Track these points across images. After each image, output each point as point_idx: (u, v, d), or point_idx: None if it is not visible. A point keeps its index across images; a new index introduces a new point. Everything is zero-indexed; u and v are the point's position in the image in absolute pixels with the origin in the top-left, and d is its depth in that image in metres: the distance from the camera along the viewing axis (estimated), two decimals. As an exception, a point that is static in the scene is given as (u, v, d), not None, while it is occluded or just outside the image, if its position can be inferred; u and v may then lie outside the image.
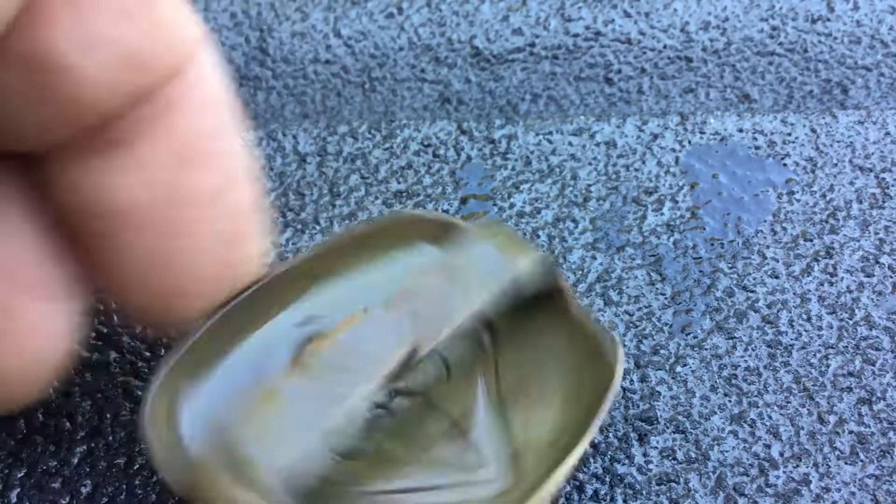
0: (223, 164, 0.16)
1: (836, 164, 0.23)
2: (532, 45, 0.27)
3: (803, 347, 0.20)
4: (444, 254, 0.18)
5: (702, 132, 0.24)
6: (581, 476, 0.19)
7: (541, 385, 0.18)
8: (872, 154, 0.23)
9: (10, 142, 0.15)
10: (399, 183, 0.23)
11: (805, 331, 0.20)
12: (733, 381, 0.20)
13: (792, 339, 0.20)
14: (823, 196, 0.23)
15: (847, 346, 0.20)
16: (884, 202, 0.22)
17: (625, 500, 0.18)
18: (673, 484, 0.19)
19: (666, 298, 0.21)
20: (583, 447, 0.16)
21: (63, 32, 0.13)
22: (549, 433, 0.18)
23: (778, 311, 0.21)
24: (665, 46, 0.27)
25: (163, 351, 0.20)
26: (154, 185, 0.15)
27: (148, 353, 0.20)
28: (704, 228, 0.22)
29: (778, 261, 0.21)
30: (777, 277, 0.21)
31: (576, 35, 0.28)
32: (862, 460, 0.19)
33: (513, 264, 0.18)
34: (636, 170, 0.23)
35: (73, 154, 0.15)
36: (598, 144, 0.23)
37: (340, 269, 0.18)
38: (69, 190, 0.15)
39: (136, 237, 0.16)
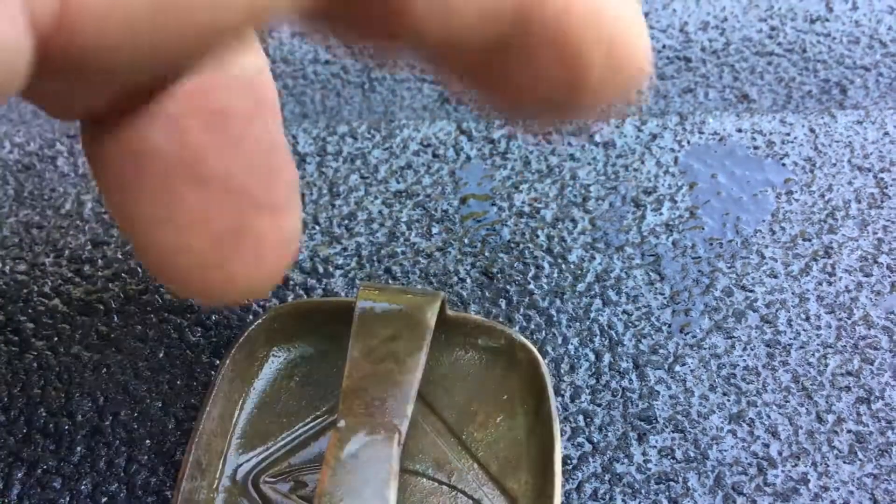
0: (610, 56, 0.16)
1: (834, 164, 0.23)
2: (531, 45, 0.27)
3: (802, 347, 0.20)
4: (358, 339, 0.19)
5: (700, 132, 0.24)
6: (580, 475, 0.19)
7: (481, 407, 0.19)
8: (871, 154, 0.23)
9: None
10: (398, 183, 0.23)
11: (803, 330, 0.20)
12: (732, 381, 0.20)
13: (790, 339, 0.20)
14: (822, 196, 0.23)
15: (845, 346, 0.20)
16: (882, 202, 0.22)
17: (624, 499, 0.18)
18: (672, 483, 0.19)
19: (665, 298, 0.21)
20: (559, 448, 0.17)
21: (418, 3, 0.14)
22: (514, 446, 0.18)
23: (776, 311, 0.21)
24: (664, 46, 0.27)
25: (162, 353, 0.20)
26: (545, 87, 0.16)
27: (148, 353, 0.20)
28: (703, 228, 0.22)
29: (776, 260, 0.22)
30: (776, 277, 0.21)
31: (575, 35, 0.28)
32: (860, 459, 0.19)
33: (421, 316, 0.18)
34: (635, 170, 0.23)
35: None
36: (597, 144, 0.23)
37: None
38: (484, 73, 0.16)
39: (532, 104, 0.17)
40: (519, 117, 0.18)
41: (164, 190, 0.16)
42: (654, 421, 0.19)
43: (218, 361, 0.20)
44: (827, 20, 0.28)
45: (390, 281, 0.21)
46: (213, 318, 0.21)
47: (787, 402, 0.19)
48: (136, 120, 0.15)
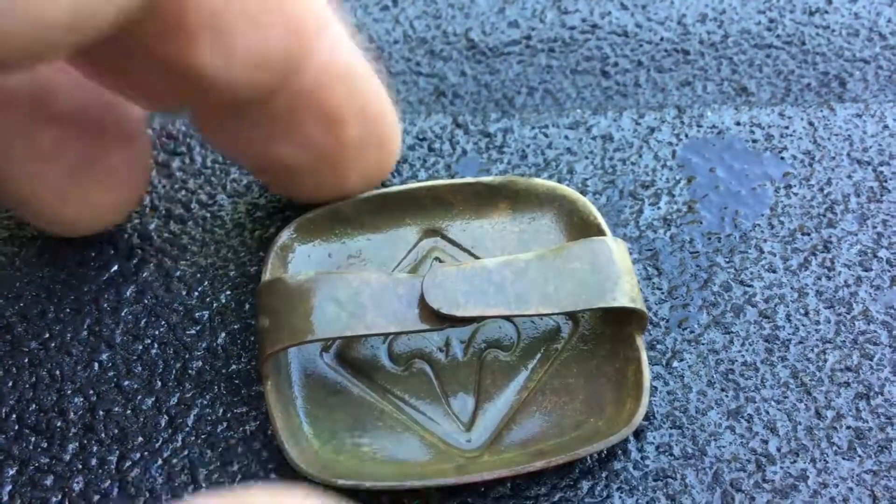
0: (364, 115, 0.19)
1: (833, 158, 0.23)
2: (528, 37, 0.27)
3: (801, 342, 0.20)
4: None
5: (699, 125, 0.24)
6: (576, 472, 0.19)
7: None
8: (870, 147, 0.23)
9: (155, 108, 0.18)
10: (394, 177, 0.23)
11: (802, 325, 0.20)
12: (730, 376, 0.20)
13: (789, 334, 0.20)
14: (821, 190, 0.22)
15: (845, 341, 0.20)
16: (882, 196, 0.22)
17: (621, 496, 0.18)
18: (669, 480, 0.18)
19: (662, 293, 0.21)
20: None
21: (204, 49, 0.15)
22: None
23: (775, 306, 0.21)
24: (662, 39, 0.27)
25: (154, 350, 0.20)
26: (307, 145, 0.18)
27: (139, 348, 0.20)
28: (701, 222, 0.22)
29: (775, 255, 0.21)
30: (774, 272, 0.21)
31: (572, 28, 0.27)
32: (860, 455, 0.19)
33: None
34: (633, 163, 0.23)
35: (230, 120, 0.18)
36: (594, 138, 0.23)
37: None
38: (228, 142, 0.19)
39: (294, 180, 0.20)
40: (285, 179, 0.20)
41: (20, 128, 0.17)
42: (651, 417, 0.19)
43: (212, 359, 0.20)
44: (826, 12, 0.28)
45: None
46: (206, 314, 0.21)
47: (785, 397, 0.19)
48: None
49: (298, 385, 0.19)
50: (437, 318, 0.18)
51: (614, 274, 0.19)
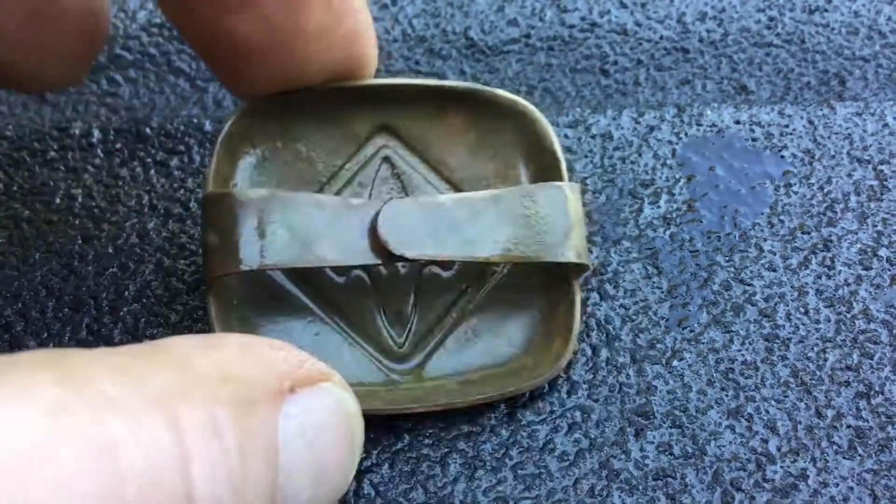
0: (329, 2, 0.18)
1: (833, 156, 0.23)
2: (527, 36, 0.27)
3: (801, 341, 0.20)
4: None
5: (698, 124, 0.23)
6: (576, 471, 0.18)
7: (486, 167, 0.21)
8: (870, 146, 0.23)
9: None
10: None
11: (802, 324, 0.20)
12: (730, 376, 0.20)
13: (789, 333, 0.20)
14: (821, 188, 0.22)
15: (845, 340, 0.20)
16: (882, 194, 0.22)
17: (621, 496, 0.18)
18: (670, 479, 0.18)
19: (662, 292, 0.21)
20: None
21: None
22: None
23: (775, 305, 0.21)
24: (661, 37, 0.27)
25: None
26: (262, 23, 0.17)
27: (139, 349, 0.20)
28: (701, 221, 0.22)
29: (775, 254, 0.21)
30: (774, 270, 0.21)
31: (571, 26, 0.27)
32: (860, 455, 0.19)
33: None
34: (632, 162, 0.23)
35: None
36: (594, 137, 0.23)
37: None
38: (185, 13, 0.18)
39: (247, 65, 0.19)
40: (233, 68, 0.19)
41: None
42: (651, 416, 0.19)
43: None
44: (826, 10, 0.28)
45: (385, 275, 0.21)
46: (202, 312, 0.21)
47: (785, 397, 0.19)
48: None
49: (239, 291, 0.19)
50: (387, 254, 0.18)
51: (567, 226, 0.19)
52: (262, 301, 0.19)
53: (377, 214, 0.18)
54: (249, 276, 0.19)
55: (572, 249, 0.19)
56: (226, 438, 0.11)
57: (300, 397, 0.12)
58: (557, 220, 0.19)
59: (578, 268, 0.19)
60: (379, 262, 0.18)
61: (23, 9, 0.18)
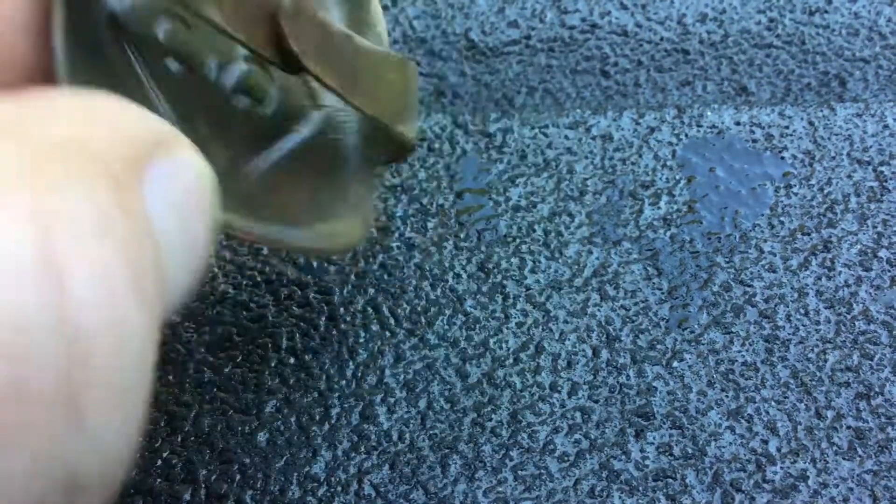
0: None
1: (833, 158, 0.23)
2: (528, 37, 0.27)
3: (801, 342, 0.20)
4: None
5: (699, 125, 0.23)
6: (577, 472, 0.19)
7: None
8: (870, 147, 0.23)
9: None
10: (394, 177, 0.23)
11: (802, 325, 0.20)
12: (730, 377, 0.20)
13: (789, 334, 0.20)
14: (821, 189, 0.22)
15: (845, 341, 0.20)
16: (882, 195, 0.22)
17: (621, 497, 0.18)
18: (670, 480, 0.18)
19: (663, 293, 0.21)
20: None
21: None
22: None
23: (775, 306, 0.21)
24: (662, 39, 0.27)
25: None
26: None
27: (140, 350, 0.20)
28: (701, 222, 0.22)
29: (775, 255, 0.21)
30: (774, 272, 0.21)
31: (572, 27, 0.27)
32: (860, 456, 0.19)
33: None
34: (633, 163, 0.23)
35: None
36: (594, 138, 0.23)
37: None
38: None
39: None
40: None
41: None
42: (651, 417, 0.19)
43: (211, 358, 0.20)
44: (826, 12, 0.28)
45: (385, 276, 0.21)
46: (207, 313, 0.21)
47: (785, 397, 0.19)
48: None
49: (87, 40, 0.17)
50: (292, 60, 0.17)
51: (413, 103, 0.19)
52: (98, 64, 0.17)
53: (282, 14, 0.17)
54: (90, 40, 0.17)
55: (413, 130, 0.19)
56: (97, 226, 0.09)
57: (161, 163, 0.11)
58: (410, 96, 0.19)
59: (404, 154, 0.19)
60: (271, 55, 0.17)
61: None
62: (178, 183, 0.11)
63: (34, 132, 0.09)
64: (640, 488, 0.18)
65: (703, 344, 0.20)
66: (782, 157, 0.23)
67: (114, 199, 0.10)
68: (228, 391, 0.20)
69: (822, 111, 0.24)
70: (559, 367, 0.20)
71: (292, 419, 0.19)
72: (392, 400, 0.19)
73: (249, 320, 0.21)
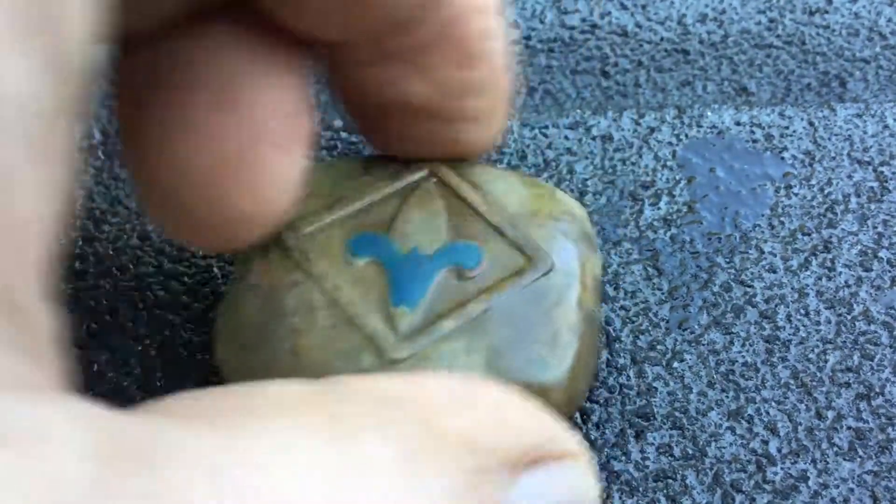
0: (492, 59, 0.18)
1: (834, 158, 0.23)
2: (527, 38, 0.27)
3: (801, 343, 0.20)
4: None
5: (699, 125, 0.23)
6: (577, 473, 0.18)
7: None
8: (871, 147, 0.23)
9: (312, 32, 0.17)
10: (393, 177, 0.23)
11: (803, 326, 0.20)
12: (731, 377, 0.20)
13: (790, 335, 0.20)
14: (821, 190, 0.22)
15: (845, 342, 0.20)
16: (882, 196, 0.22)
17: (622, 498, 0.18)
18: (670, 480, 0.18)
19: (663, 293, 0.21)
20: None
21: None
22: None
23: (776, 306, 0.21)
24: (662, 39, 0.27)
25: (154, 351, 0.20)
26: (437, 83, 0.18)
27: (140, 350, 0.20)
28: (702, 223, 0.22)
29: (776, 255, 0.21)
30: (775, 272, 0.21)
31: (572, 28, 0.27)
32: (860, 456, 0.19)
33: None
34: (633, 164, 0.23)
35: (366, 54, 0.18)
36: (594, 138, 0.23)
37: None
38: (354, 83, 0.19)
39: (418, 123, 0.19)
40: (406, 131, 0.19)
41: (185, 106, 0.17)
42: (651, 418, 0.19)
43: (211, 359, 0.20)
44: (826, 12, 0.28)
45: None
46: (210, 314, 0.21)
47: (786, 398, 0.19)
48: (174, 41, 0.16)
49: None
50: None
51: None
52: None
53: None
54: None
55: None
56: None
57: (537, 472, 0.11)
58: None
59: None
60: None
61: (221, 148, 0.17)
62: (546, 498, 0.11)
63: (446, 422, 0.10)
64: (641, 489, 0.18)
65: (703, 344, 0.20)
66: (782, 158, 0.23)
67: (470, 492, 0.10)
68: (228, 392, 0.20)
69: (822, 111, 0.24)
70: (559, 368, 0.20)
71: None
72: (392, 400, 0.19)
73: (249, 321, 0.21)
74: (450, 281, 0.18)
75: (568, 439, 0.11)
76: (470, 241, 0.19)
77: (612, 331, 0.20)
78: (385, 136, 0.20)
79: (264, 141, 0.17)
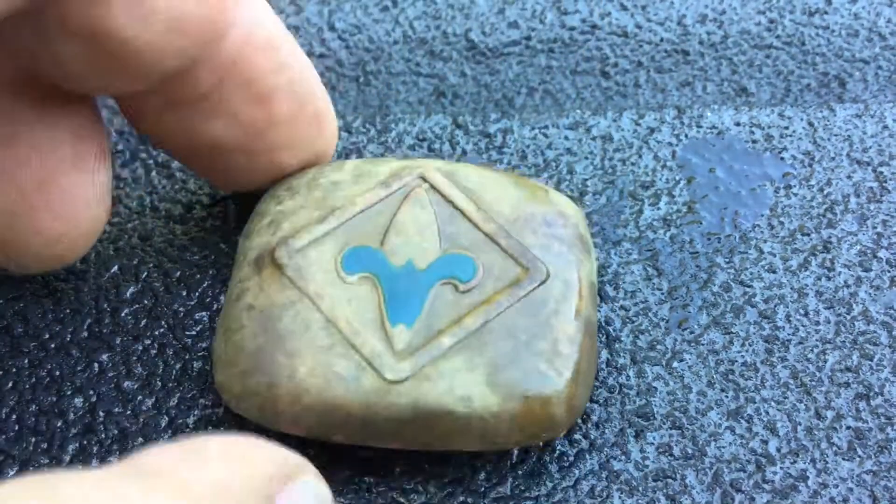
0: (293, 90, 0.19)
1: (833, 158, 0.23)
2: (528, 38, 0.27)
3: (800, 342, 0.20)
4: None
5: (699, 126, 0.24)
6: (577, 472, 0.19)
7: None
8: (870, 148, 0.23)
9: (84, 90, 0.18)
10: (394, 178, 0.23)
11: (802, 326, 0.20)
12: (730, 377, 0.20)
13: (789, 335, 0.20)
14: (821, 190, 0.22)
15: (845, 342, 0.20)
16: (882, 196, 0.22)
17: (621, 497, 0.18)
18: (669, 480, 0.18)
19: (662, 293, 0.21)
20: None
21: (119, 11, 0.15)
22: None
23: (775, 306, 0.21)
24: (662, 39, 0.27)
25: (154, 351, 0.20)
26: (239, 122, 0.18)
27: (139, 349, 0.20)
28: (701, 223, 0.22)
29: (775, 255, 0.21)
30: (774, 272, 0.21)
31: (572, 28, 0.27)
32: (860, 456, 0.19)
33: None
34: (632, 164, 0.23)
35: (158, 102, 0.18)
36: (594, 139, 0.23)
37: None
38: (159, 128, 0.19)
39: (228, 159, 0.19)
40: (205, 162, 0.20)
41: None
42: (651, 418, 0.19)
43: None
44: (826, 13, 0.28)
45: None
46: (206, 315, 0.21)
47: (785, 398, 0.19)
48: None
49: None
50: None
51: None
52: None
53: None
54: None
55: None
56: None
57: (285, 496, 0.12)
58: None
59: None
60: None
61: (19, 181, 0.17)
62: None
63: (192, 487, 0.11)
64: (640, 488, 0.18)
65: (702, 344, 0.20)
66: (782, 158, 0.23)
67: None
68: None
69: (821, 112, 0.24)
70: (559, 368, 0.20)
71: (292, 419, 0.19)
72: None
73: (249, 320, 0.21)
74: (445, 295, 0.18)
75: (292, 455, 0.13)
76: (464, 252, 0.19)
77: (612, 331, 0.20)
78: (208, 171, 0.21)
79: (60, 164, 0.18)
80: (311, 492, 0.13)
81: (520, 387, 0.17)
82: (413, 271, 0.19)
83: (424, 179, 0.20)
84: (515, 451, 0.19)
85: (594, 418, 0.19)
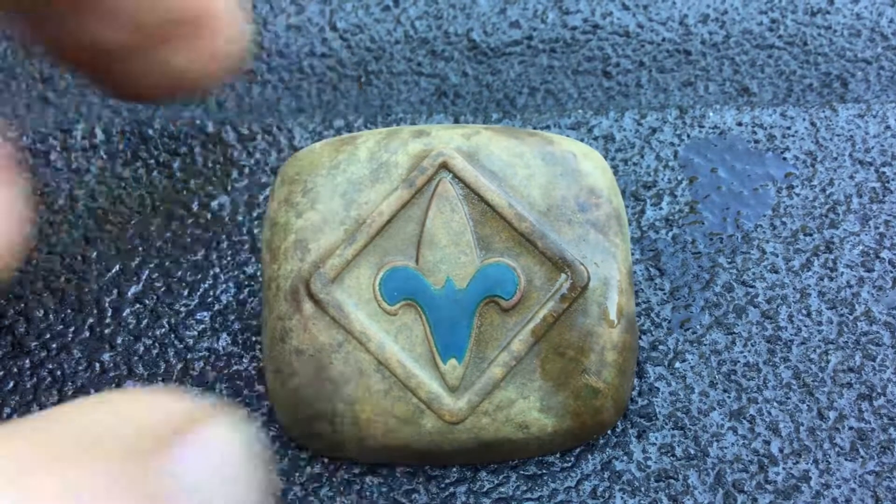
0: None
1: (835, 158, 0.23)
2: (530, 38, 0.27)
3: (803, 343, 0.20)
4: None
5: (700, 126, 0.23)
6: (579, 472, 0.18)
7: None
8: (872, 148, 0.23)
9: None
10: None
11: (805, 326, 0.20)
12: (732, 377, 0.20)
13: (791, 335, 0.20)
14: (823, 190, 0.22)
15: (847, 342, 0.20)
16: (884, 196, 0.22)
17: (623, 497, 0.18)
18: (672, 480, 0.18)
19: (665, 294, 0.21)
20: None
21: None
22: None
23: (777, 307, 0.21)
24: (664, 39, 0.27)
25: (156, 350, 0.20)
26: (121, 20, 0.18)
27: (140, 349, 0.20)
28: (703, 223, 0.22)
29: (777, 255, 0.21)
30: (776, 272, 0.21)
31: (574, 28, 0.27)
32: (862, 456, 0.19)
33: None
34: (634, 164, 0.23)
35: (68, 7, 0.17)
36: (596, 138, 0.23)
37: None
38: (73, 34, 0.18)
39: (134, 59, 0.18)
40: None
41: None
42: (653, 418, 0.19)
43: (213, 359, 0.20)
44: (828, 13, 0.28)
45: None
46: (206, 314, 0.21)
47: (788, 398, 0.19)
48: None
49: None
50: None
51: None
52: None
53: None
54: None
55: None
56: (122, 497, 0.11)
57: (188, 438, 0.12)
58: None
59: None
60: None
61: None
62: (211, 452, 0.12)
63: (74, 421, 0.11)
64: (643, 489, 0.18)
65: (705, 345, 0.20)
66: (784, 158, 0.23)
67: (137, 471, 0.11)
68: (232, 392, 0.20)
69: (824, 112, 0.24)
70: (561, 368, 0.20)
71: (294, 419, 0.19)
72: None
73: (254, 320, 0.21)
74: (490, 317, 0.18)
75: (204, 407, 0.13)
76: (501, 260, 0.18)
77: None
78: (114, 80, 0.19)
79: None
80: (223, 433, 0.13)
81: (571, 406, 0.18)
82: (454, 292, 0.18)
83: (447, 168, 0.19)
84: (517, 452, 0.19)
85: (596, 418, 0.19)
